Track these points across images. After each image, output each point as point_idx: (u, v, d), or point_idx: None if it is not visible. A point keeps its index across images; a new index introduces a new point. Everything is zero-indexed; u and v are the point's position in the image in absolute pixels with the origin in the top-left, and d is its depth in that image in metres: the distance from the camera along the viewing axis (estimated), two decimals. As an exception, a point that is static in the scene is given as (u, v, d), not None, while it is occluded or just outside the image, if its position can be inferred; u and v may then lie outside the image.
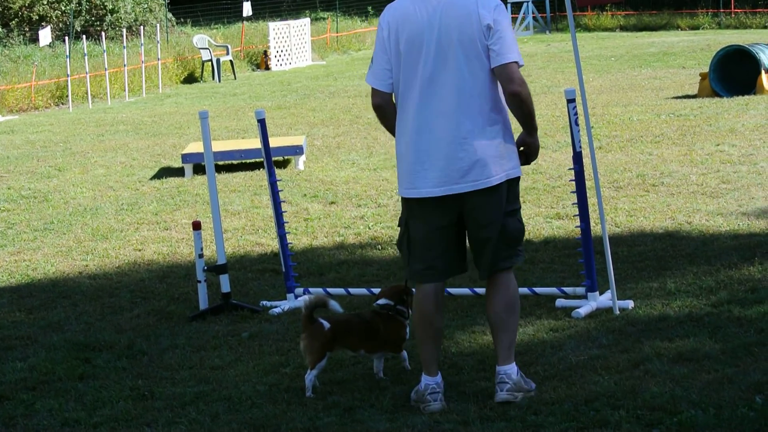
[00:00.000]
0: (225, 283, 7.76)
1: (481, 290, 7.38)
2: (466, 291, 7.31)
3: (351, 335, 6.03)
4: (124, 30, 27.85)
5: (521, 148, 5.72)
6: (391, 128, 5.80)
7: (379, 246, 9.31)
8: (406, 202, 5.72)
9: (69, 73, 23.90)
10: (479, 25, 5.50)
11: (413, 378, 6.01)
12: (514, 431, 5.25)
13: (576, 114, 7.00)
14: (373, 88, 5.76)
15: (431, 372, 5.70)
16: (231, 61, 28.86)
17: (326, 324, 5.95)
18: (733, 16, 36.22)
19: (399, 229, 5.86)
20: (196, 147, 13.94)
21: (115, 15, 32.91)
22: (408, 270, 5.78)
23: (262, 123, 7.83)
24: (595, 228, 7.78)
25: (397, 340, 6.11)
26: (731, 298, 7.08)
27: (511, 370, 5.66)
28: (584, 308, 7.06)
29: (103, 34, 26.95)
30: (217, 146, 13.51)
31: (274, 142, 13.25)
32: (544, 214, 10.06)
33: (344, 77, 26.63)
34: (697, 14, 36.94)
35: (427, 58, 5.54)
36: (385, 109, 5.76)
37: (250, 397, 5.95)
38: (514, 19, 38.37)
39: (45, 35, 24.91)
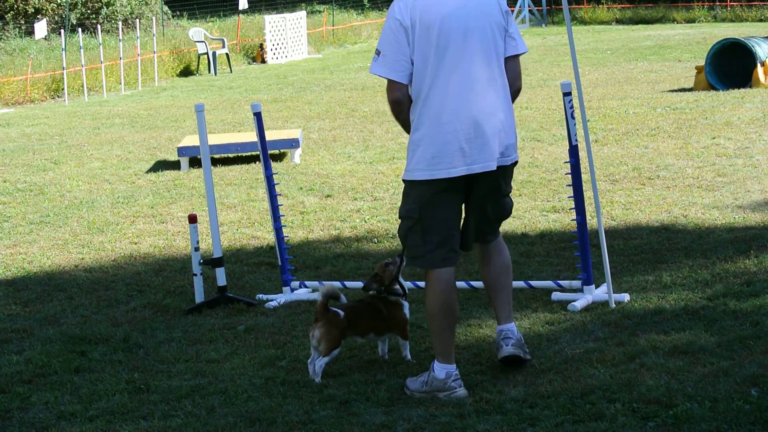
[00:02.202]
0: (221, 276, 7.76)
1: (477, 284, 7.38)
2: (462, 284, 7.32)
3: (360, 321, 6.14)
4: (120, 23, 27.78)
5: None
6: (406, 122, 5.74)
7: (375, 239, 9.31)
8: (428, 186, 5.64)
9: (65, 66, 23.86)
10: (500, 10, 5.72)
11: (408, 371, 6.01)
12: (510, 424, 5.25)
13: (572, 107, 7.00)
14: (390, 81, 5.63)
15: (452, 360, 5.74)
16: (227, 54, 28.82)
17: (341, 312, 6.05)
18: (728, 9, 36.22)
19: (401, 221, 5.80)
20: (192, 140, 13.93)
21: (110, 8, 32.85)
22: (424, 259, 5.73)
23: (258, 116, 7.83)
24: (591, 221, 7.78)
25: (400, 321, 6.18)
26: (727, 291, 7.09)
27: (513, 327, 5.88)
28: (580, 301, 7.07)
29: (98, 27, 26.89)
30: (213, 139, 13.49)
31: (270, 136, 13.29)
32: (540, 207, 10.06)
33: (340, 70, 26.61)
34: (693, 7, 36.91)
35: (460, 43, 5.57)
36: (404, 104, 5.69)
37: (246, 390, 5.95)
38: (510, 12, 38.34)
39: (40, 28, 24.86)
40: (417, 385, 5.77)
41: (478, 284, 7.39)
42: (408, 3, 5.60)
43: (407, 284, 7.25)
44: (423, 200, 5.68)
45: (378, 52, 5.63)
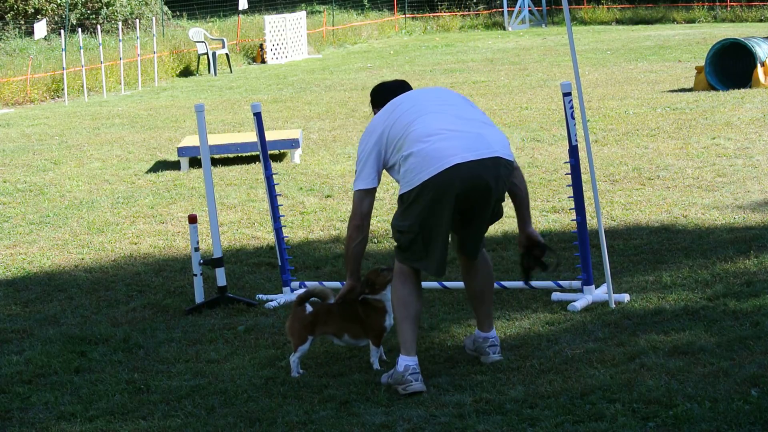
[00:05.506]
0: (221, 276, 7.76)
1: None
2: (461, 285, 7.29)
3: (333, 320, 6.11)
4: (120, 23, 27.76)
5: None
6: None
7: (375, 239, 9.31)
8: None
9: (65, 66, 23.85)
10: None
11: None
12: (510, 424, 5.25)
13: (572, 107, 7.00)
14: None
15: (412, 353, 5.80)
16: (227, 54, 28.82)
17: (309, 308, 6.09)
18: (728, 9, 36.22)
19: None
20: (192, 140, 13.93)
21: (110, 8, 32.85)
22: (435, 267, 5.90)
23: (258, 116, 7.83)
24: (591, 221, 7.78)
25: (376, 327, 6.10)
26: (727, 292, 7.09)
27: (496, 335, 6.18)
28: (580, 302, 7.07)
29: (98, 27, 26.87)
30: (213, 139, 13.49)
31: (270, 136, 13.29)
32: (540, 207, 10.06)
33: (340, 71, 26.61)
34: (693, 7, 36.91)
35: None
36: None
37: (246, 390, 5.95)
38: (510, 13, 38.38)
39: (40, 28, 24.83)
40: (385, 378, 5.89)
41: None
42: None
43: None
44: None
45: None
